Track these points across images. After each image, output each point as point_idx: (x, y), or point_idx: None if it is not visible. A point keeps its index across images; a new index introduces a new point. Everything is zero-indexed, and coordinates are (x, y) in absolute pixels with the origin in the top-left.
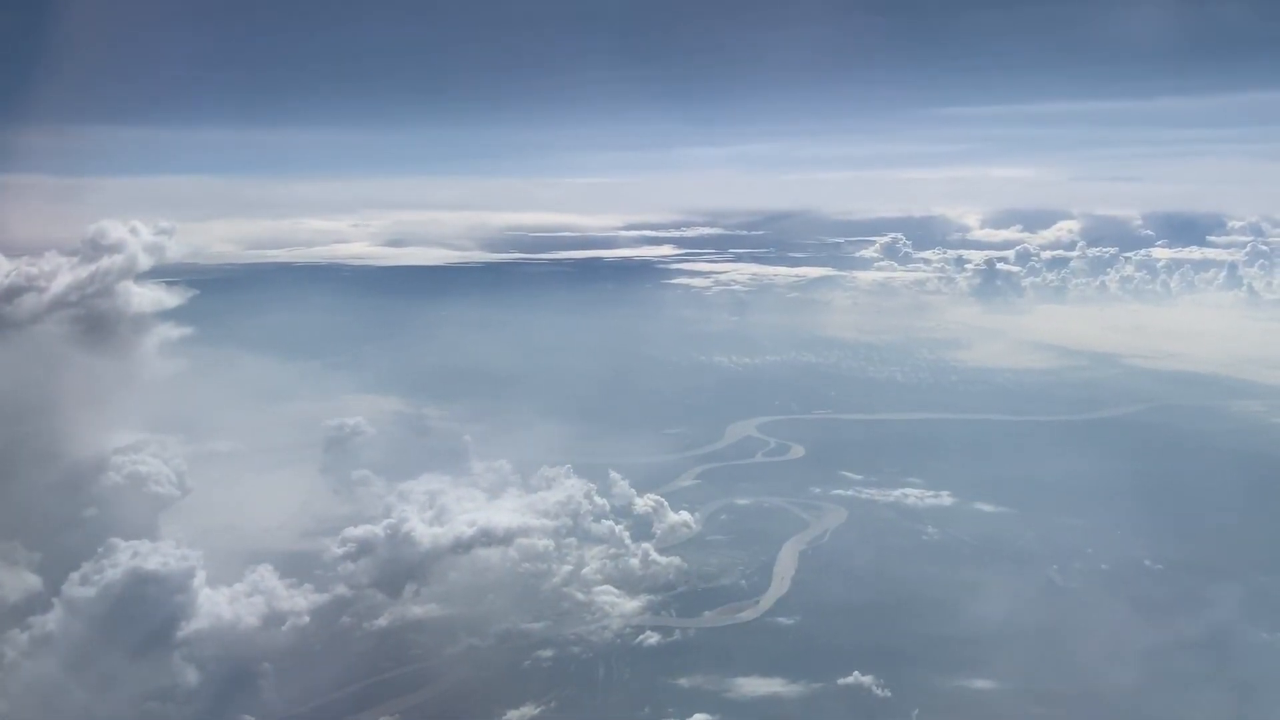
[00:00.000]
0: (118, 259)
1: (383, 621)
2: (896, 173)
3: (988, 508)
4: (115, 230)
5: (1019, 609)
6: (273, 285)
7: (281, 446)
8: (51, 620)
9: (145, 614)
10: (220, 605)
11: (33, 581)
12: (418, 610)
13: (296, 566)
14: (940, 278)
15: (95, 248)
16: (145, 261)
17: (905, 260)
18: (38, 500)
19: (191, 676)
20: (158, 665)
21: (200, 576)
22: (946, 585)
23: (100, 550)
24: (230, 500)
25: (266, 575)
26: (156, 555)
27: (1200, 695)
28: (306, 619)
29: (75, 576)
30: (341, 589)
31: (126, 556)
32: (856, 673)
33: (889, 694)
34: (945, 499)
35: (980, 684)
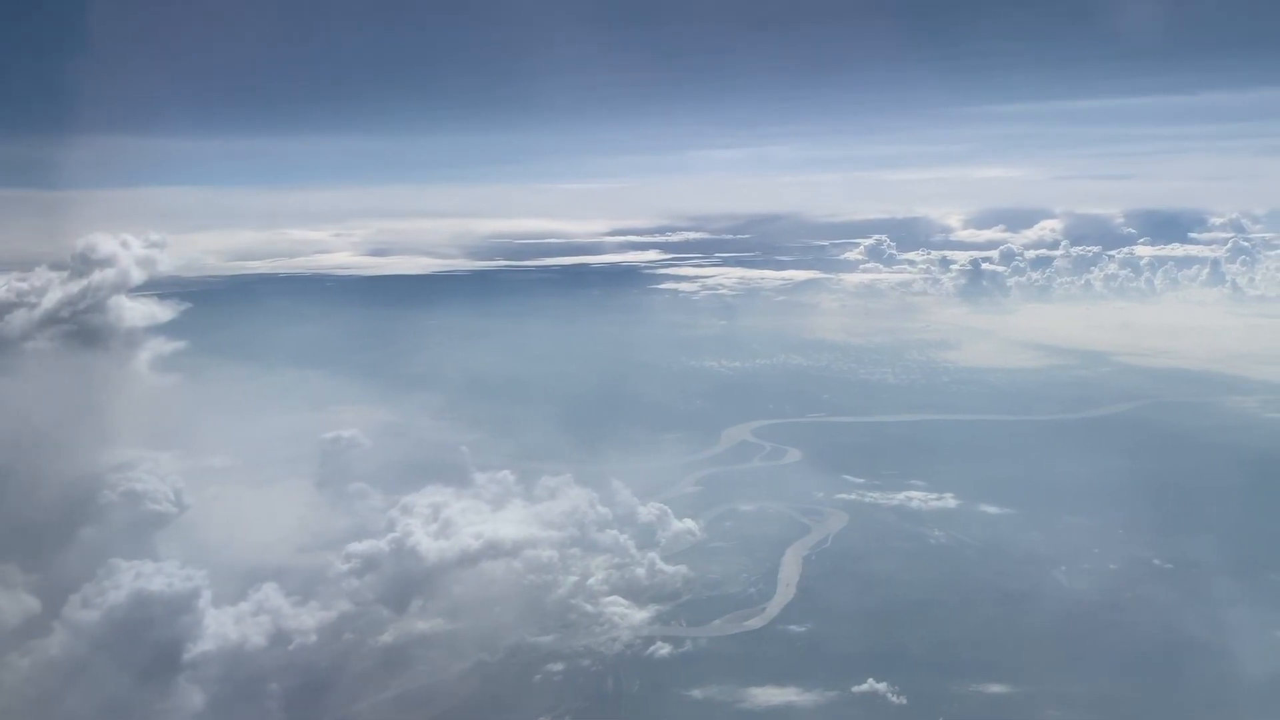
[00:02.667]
0: (109, 273)
1: (389, 637)
2: (878, 174)
3: (992, 509)
4: (106, 244)
5: (1029, 611)
6: (259, 297)
7: (277, 460)
8: (53, 644)
9: (150, 636)
10: (226, 626)
11: (31, 604)
12: (424, 625)
13: (298, 583)
14: (926, 279)
15: (86, 262)
16: (137, 275)
17: (890, 262)
18: (33, 521)
19: (197, 699)
20: (163, 688)
21: (205, 597)
22: (955, 589)
23: (100, 571)
24: (228, 516)
25: (272, 594)
26: (160, 576)
27: (1216, 695)
28: (314, 637)
29: (76, 599)
30: (346, 605)
31: (129, 578)
32: (871, 679)
33: (905, 701)
34: (949, 501)
35: (995, 688)
